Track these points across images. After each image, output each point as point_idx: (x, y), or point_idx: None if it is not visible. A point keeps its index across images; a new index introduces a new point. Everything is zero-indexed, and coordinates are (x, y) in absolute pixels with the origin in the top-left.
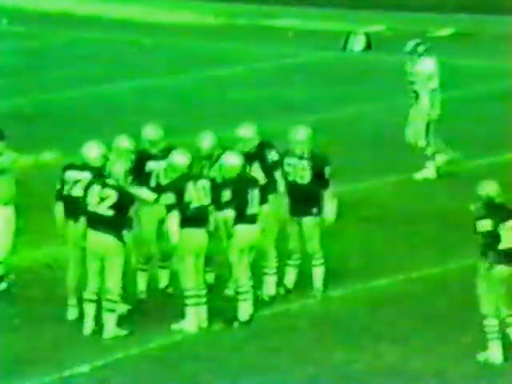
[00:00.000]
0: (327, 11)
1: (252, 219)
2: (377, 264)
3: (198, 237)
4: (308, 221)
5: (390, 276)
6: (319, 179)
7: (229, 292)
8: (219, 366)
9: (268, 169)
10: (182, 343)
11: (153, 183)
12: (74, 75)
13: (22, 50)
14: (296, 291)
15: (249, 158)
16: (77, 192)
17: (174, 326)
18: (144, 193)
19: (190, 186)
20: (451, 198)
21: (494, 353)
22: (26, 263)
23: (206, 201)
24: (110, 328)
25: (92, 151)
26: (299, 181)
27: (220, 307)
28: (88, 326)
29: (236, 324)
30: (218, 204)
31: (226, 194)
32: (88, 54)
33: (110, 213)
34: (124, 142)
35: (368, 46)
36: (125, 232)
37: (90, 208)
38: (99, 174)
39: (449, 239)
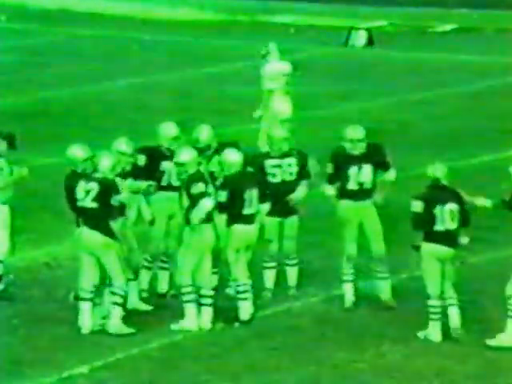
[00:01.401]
0: (328, 7)
1: (249, 219)
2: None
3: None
4: (293, 220)
5: (392, 274)
6: (302, 173)
7: (230, 291)
8: (220, 365)
9: None
10: (182, 343)
11: (164, 182)
12: (73, 72)
13: (21, 48)
14: (298, 290)
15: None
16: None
17: (174, 326)
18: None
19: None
20: None
21: (434, 333)
22: (24, 263)
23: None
24: (114, 322)
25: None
26: (288, 178)
27: (221, 307)
28: (86, 324)
29: (237, 324)
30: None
31: (222, 195)
32: (87, 51)
33: (94, 205)
34: (122, 145)
35: (370, 42)
36: (112, 223)
37: (78, 203)
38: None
39: None
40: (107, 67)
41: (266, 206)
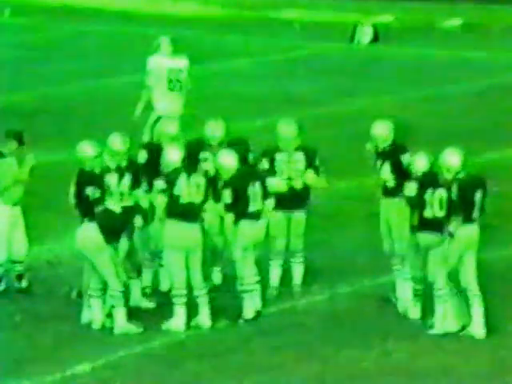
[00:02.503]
0: (334, 2)
1: (255, 215)
2: (385, 260)
3: (187, 232)
4: (301, 216)
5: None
6: (311, 169)
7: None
8: (223, 364)
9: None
10: (185, 341)
11: None
12: (76, 69)
13: (24, 43)
14: (302, 288)
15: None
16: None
17: (164, 326)
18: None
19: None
20: None
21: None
22: (27, 260)
23: (198, 198)
24: (119, 323)
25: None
26: (293, 175)
27: (225, 305)
28: (97, 320)
29: (241, 322)
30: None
31: (226, 195)
32: (91, 47)
33: (73, 201)
34: (116, 143)
35: (375, 38)
36: (86, 221)
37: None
38: None
39: None
40: (111, 63)
41: (271, 202)
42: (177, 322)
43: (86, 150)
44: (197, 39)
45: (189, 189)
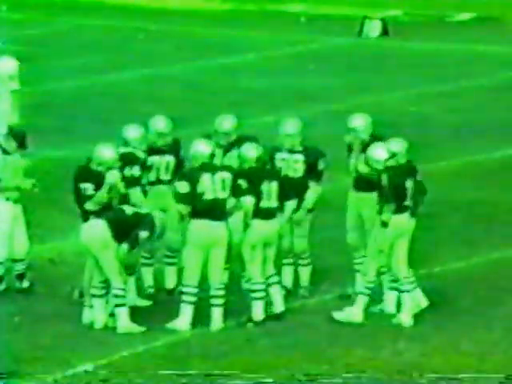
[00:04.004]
0: None
1: (267, 214)
2: None
3: (210, 230)
4: (300, 216)
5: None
6: (311, 172)
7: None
8: (229, 363)
9: None
10: (190, 341)
11: (152, 177)
12: (76, 64)
13: (22, 38)
14: (311, 288)
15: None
16: None
17: (169, 325)
18: None
19: (205, 177)
20: (477, 189)
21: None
22: (28, 258)
23: (222, 194)
24: (122, 323)
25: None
26: (291, 174)
27: (233, 304)
28: (99, 320)
29: (250, 325)
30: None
31: (243, 184)
32: (92, 42)
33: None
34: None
35: (384, 32)
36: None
37: None
38: None
39: (474, 232)
40: (112, 58)
41: (290, 203)
42: (182, 321)
43: (105, 153)
44: (201, 34)
45: (214, 185)
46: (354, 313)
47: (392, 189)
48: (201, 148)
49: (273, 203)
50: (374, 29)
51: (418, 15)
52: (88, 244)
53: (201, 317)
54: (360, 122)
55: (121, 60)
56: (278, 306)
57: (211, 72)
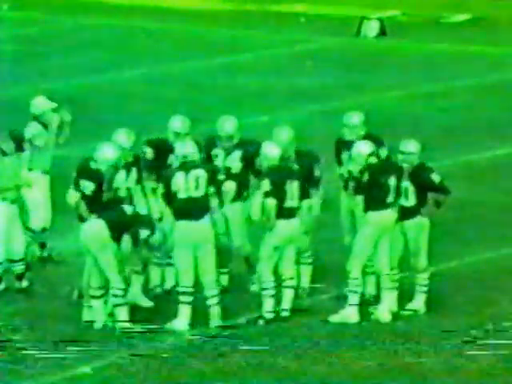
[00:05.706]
0: None
1: (290, 213)
2: None
3: (192, 230)
4: (308, 222)
5: (404, 271)
6: (309, 180)
7: (254, 288)
8: (227, 364)
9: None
10: (190, 341)
11: None
12: (77, 63)
13: (23, 37)
14: (308, 287)
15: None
16: None
17: (167, 326)
18: None
19: (179, 176)
20: (469, 189)
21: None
22: (28, 259)
23: (197, 192)
24: (121, 322)
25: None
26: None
27: (233, 304)
28: (98, 320)
29: (261, 322)
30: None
31: (265, 184)
32: (92, 41)
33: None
34: (122, 139)
35: (382, 32)
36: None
37: None
38: None
39: (466, 232)
40: (112, 57)
41: (317, 201)
42: (180, 321)
43: (108, 153)
44: (201, 33)
45: (187, 184)
46: (348, 313)
47: (371, 184)
48: (184, 151)
49: (295, 203)
50: (371, 29)
51: (415, 16)
52: (87, 244)
53: (199, 317)
54: (354, 120)
55: (121, 59)
56: (284, 312)
57: (211, 72)
